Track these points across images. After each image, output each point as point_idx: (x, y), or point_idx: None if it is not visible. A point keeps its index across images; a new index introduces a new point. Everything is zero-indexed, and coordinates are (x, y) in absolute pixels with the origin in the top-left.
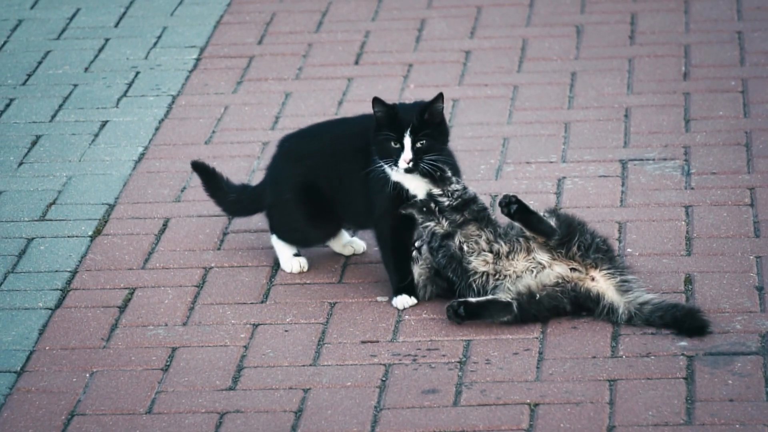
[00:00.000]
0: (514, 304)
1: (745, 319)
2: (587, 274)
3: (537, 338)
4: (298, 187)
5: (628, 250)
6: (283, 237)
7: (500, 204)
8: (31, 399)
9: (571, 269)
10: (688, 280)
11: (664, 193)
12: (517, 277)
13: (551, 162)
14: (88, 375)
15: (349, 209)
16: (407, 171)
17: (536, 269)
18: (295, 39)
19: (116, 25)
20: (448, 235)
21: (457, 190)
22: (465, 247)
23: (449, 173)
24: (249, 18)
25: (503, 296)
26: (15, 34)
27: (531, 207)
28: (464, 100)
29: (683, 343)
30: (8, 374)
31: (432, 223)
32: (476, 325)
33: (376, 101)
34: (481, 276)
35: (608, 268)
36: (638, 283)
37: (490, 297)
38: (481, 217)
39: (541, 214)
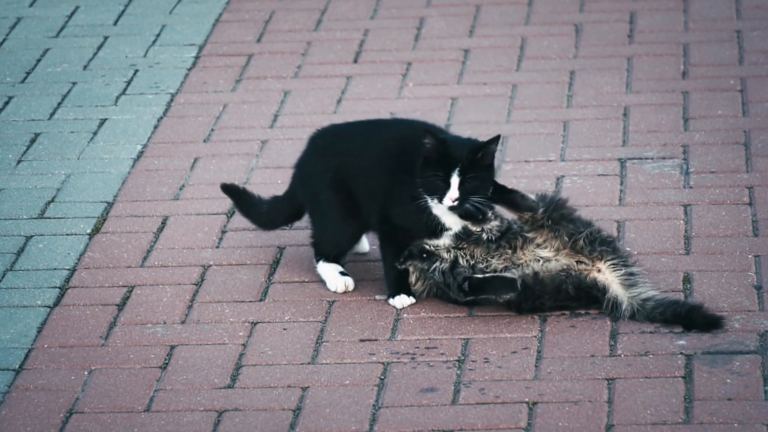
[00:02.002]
0: (519, 281)
1: (744, 318)
2: (593, 265)
3: (535, 337)
4: (329, 186)
5: (627, 248)
6: (323, 246)
7: None
8: (29, 397)
9: (577, 262)
10: (687, 279)
11: (662, 192)
12: (527, 265)
13: (550, 161)
14: (86, 373)
15: (370, 210)
16: (451, 209)
17: (542, 259)
18: (294, 37)
19: (115, 23)
20: (455, 263)
21: (496, 226)
22: (479, 260)
23: (490, 214)
24: (248, 16)
25: (508, 274)
26: (14, 31)
27: (507, 186)
28: (463, 98)
29: (681, 342)
30: (7, 372)
31: (437, 263)
32: (475, 323)
33: (429, 134)
34: (500, 272)
35: (613, 259)
36: (643, 278)
37: (495, 274)
38: (513, 236)
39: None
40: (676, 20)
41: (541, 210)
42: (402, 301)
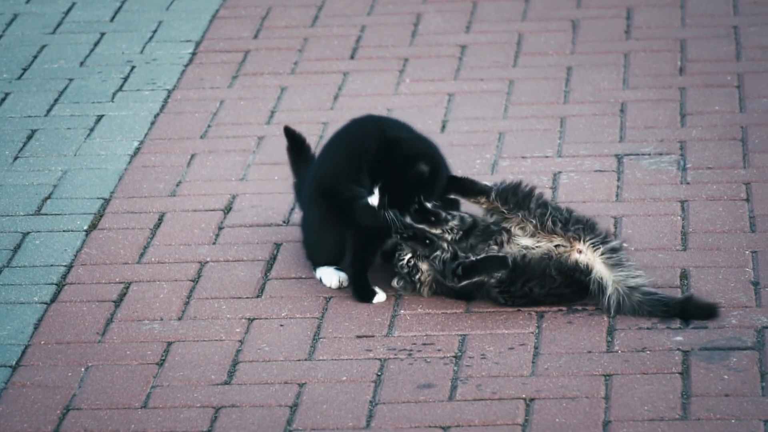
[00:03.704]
0: (509, 258)
1: (741, 314)
2: (572, 247)
3: (532, 333)
4: (310, 204)
5: (624, 244)
6: (315, 257)
7: None
8: (26, 393)
9: (555, 245)
10: (684, 275)
11: (659, 188)
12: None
13: (547, 157)
14: (83, 369)
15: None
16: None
17: (526, 248)
18: (291, 33)
19: (112, 20)
20: (455, 256)
21: (456, 226)
22: (471, 256)
23: (443, 214)
24: (245, 12)
25: (497, 253)
26: (10, 28)
27: (456, 175)
28: (460, 94)
29: (679, 338)
30: (3, 368)
31: (438, 252)
32: (472, 319)
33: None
34: None
35: (591, 238)
36: (626, 256)
37: (484, 255)
38: (488, 233)
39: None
40: (673, 16)
41: (493, 193)
42: (381, 296)
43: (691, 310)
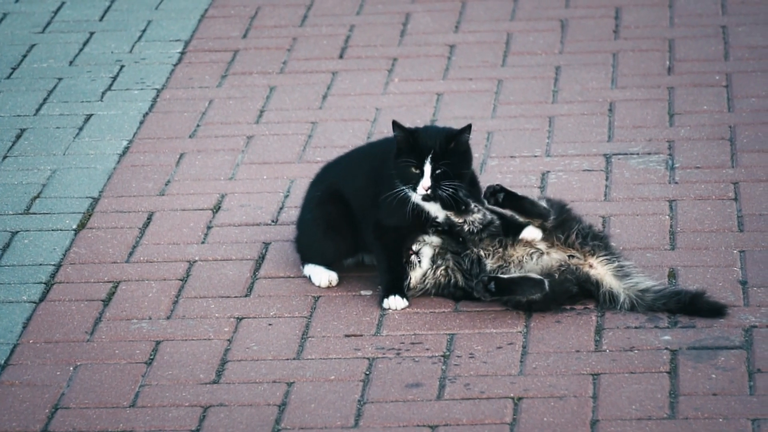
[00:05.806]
0: (546, 282)
1: (729, 313)
2: (585, 261)
3: (520, 332)
4: (316, 205)
5: (612, 244)
6: (309, 255)
7: (485, 196)
8: (14, 392)
9: (569, 256)
10: (672, 274)
11: (648, 188)
12: (519, 262)
13: (535, 156)
14: (71, 368)
15: (365, 229)
16: (425, 198)
17: (535, 255)
18: (280, 33)
19: (101, 19)
20: (479, 259)
21: (478, 219)
22: (482, 253)
23: (472, 205)
24: (234, 12)
25: (534, 274)
26: None
27: (518, 193)
28: (448, 94)
29: (667, 338)
30: None
31: (469, 252)
32: (460, 318)
33: (396, 125)
34: (495, 271)
35: (605, 255)
36: (635, 269)
37: (521, 274)
38: (497, 232)
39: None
40: (662, 16)
41: (551, 218)
42: (396, 303)
43: (699, 305)
